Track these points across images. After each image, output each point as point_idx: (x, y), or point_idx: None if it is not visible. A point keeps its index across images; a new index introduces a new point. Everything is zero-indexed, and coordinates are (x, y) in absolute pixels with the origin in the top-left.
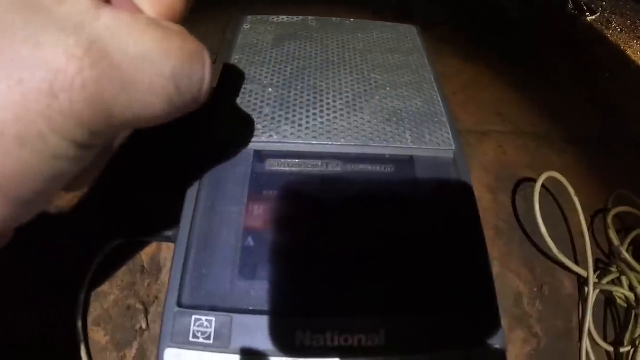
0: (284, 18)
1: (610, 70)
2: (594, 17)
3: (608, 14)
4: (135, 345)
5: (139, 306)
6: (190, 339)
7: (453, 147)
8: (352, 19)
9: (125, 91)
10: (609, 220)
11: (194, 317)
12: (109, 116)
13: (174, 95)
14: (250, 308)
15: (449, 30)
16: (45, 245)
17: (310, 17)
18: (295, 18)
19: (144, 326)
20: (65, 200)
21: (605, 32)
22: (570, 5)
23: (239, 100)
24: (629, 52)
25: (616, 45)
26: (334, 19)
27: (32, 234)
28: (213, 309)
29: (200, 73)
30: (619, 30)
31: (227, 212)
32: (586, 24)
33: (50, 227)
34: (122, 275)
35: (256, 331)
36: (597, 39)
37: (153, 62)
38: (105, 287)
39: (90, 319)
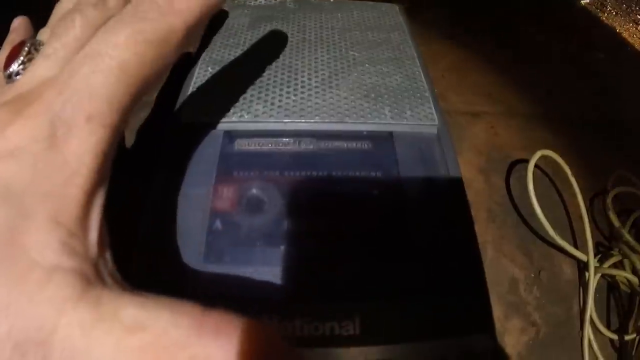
0: (261, 1)
1: (605, 52)
2: (588, 1)
3: None
4: None
5: None
6: None
7: (436, 123)
8: (332, 0)
9: None
10: (609, 201)
11: None
12: None
13: None
14: (214, 294)
15: (437, 12)
16: None
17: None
18: (273, 1)
19: None
20: None
21: (600, 15)
22: None
23: (209, 82)
24: (624, 34)
25: (611, 28)
26: (313, 0)
27: None
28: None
29: None
30: (614, 13)
31: (193, 195)
32: (580, 8)
33: None
34: None
35: None
36: (591, 22)
37: None
38: None
39: None
